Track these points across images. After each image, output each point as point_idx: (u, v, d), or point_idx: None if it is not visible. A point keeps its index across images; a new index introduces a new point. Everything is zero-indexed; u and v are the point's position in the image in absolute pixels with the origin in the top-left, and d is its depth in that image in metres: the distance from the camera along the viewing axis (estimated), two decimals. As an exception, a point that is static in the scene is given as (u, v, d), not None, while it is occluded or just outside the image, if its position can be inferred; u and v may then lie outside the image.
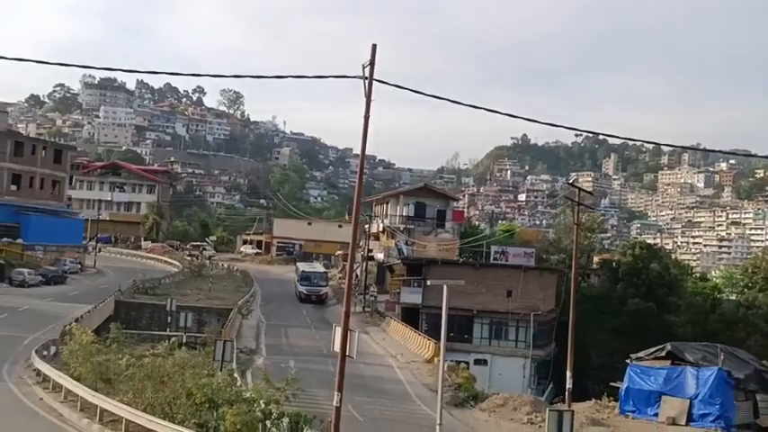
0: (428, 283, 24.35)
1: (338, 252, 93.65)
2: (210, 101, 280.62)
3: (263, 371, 26.86)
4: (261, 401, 20.77)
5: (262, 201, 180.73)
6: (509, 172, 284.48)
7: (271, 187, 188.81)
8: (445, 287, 20.36)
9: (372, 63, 17.83)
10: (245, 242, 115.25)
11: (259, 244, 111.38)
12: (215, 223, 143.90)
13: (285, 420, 19.88)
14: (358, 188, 19.98)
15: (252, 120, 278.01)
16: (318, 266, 77.63)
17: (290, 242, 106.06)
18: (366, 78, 17.79)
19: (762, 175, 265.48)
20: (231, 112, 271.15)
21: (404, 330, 52.20)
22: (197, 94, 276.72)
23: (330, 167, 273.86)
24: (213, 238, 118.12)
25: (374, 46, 18.10)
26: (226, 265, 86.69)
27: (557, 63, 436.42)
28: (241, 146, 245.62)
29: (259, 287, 71.03)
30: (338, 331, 19.79)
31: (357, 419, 27.22)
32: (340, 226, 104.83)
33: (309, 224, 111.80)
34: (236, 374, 30.22)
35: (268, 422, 20.58)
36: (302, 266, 74.95)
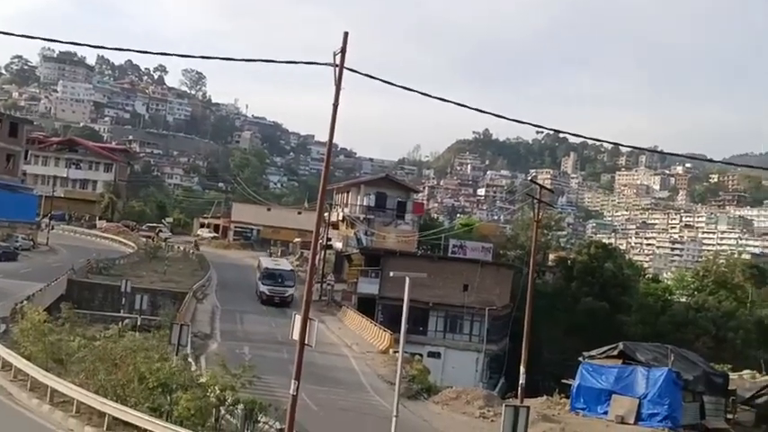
0: (390, 274, 24.39)
1: (296, 239, 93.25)
2: (172, 80, 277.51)
3: (218, 356, 26.58)
4: (216, 387, 20.61)
5: (221, 184, 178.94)
6: (469, 166, 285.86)
7: (230, 171, 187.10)
8: (407, 279, 20.35)
9: (344, 51, 17.70)
10: (202, 225, 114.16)
11: (216, 228, 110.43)
12: (172, 205, 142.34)
13: (240, 407, 19.77)
14: (323, 177, 19.86)
15: (213, 101, 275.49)
16: (284, 263, 67.71)
17: (247, 227, 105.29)
18: (337, 66, 17.66)
19: (716, 179, 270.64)
20: (193, 92, 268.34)
21: (360, 320, 52.23)
22: (158, 73, 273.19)
23: (291, 153, 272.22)
24: (170, 219, 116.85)
25: (346, 34, 17.97)
26: (181, 248, 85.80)
27: (520, 59, 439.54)
28: (201, 127, 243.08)
29: (215, 272, 70.39)
30: (297, 319, 19.66)
31: (311, 408, 27.16)
32: (299, 213, 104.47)
33: (269, 210, 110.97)
34: (190, 359, 29.98)
35: (222, 408, 20.45)
36: (265, 262, 64.87)
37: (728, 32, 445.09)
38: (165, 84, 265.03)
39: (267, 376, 26.26)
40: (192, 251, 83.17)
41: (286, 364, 29.13)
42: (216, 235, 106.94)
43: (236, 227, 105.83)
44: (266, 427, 20.10)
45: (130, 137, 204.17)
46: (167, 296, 51.56)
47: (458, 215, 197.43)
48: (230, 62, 17.43)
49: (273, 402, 20.98)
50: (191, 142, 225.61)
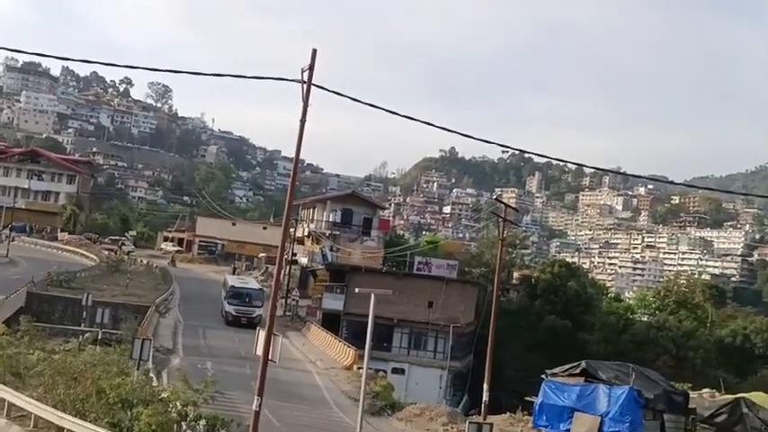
0: (356, 290, 24.32)
1: (261, 254, 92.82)
2: (138, 93, 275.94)
3: (180, 371, 26.31)
4: (177, 402, 20.44)
5: (185, 198, 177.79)
6: (436, 184, 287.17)
7: (195, 185, 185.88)
8: (372, 296, 20.38)
9: (312, 68, 17.79)
10: (166, 239, 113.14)
11: (180, 242, 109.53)
12: (136, 218, 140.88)
13: (202, 422, 19.63)
14: (290, 192, 19.85)
15: (179, 115, 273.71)
16: (252, 281, 63.85)
17: (212, 241, 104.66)
18: (305, 83, 17.72)
19: (677, 201, 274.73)
20: (159, 105, 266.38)
21: (324, 336, 52.00)
22: (124, 85, 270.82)
23: (257, 168, 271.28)
24: (133, 233, 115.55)
25: (314, 51, 18.07)
26: (145, 262, 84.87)
27: (485, 80, 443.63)
28: (167, 141, 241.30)
29: (178, 286, 69.69)
30: (261, 335, 19.59)
31: (274, 424, 26.96)
32: (265, 228, 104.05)
33: (233, 224, 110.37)
34: (152, 374, 29.65)
35: (184, 424, 20.27)
36: (232, 280, 60.25)
37: (686, 59, 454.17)
38: (130, 96, 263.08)
39: (230, 392, 26.07)
40: (154, 264, 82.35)
41: (249, 380, 28.88)
42: (180, 249, 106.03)
43: (200, 241, 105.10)
44: (228, 442, 19.95)
45: (94, 149, 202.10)
46: (129, 310, 50.90)
47: (423, 232, 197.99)
48: (197, 76, 17.41)
49: (236, 418, 20.85)
50: (156, 155, 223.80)
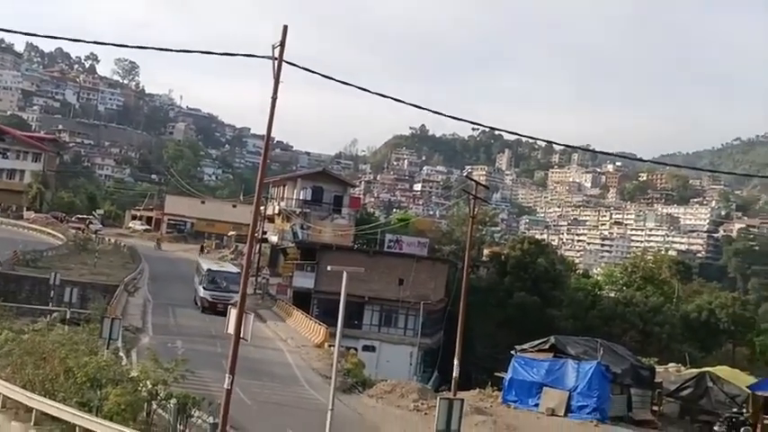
0: (328, 268, 24.30)
1: (231, 232, 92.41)
2: (104, 69, 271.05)
3: (149, 350, 26.18)
4: (147, 382, 20.35)
5: (153, 176, 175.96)
6: (406, 161, 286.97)
7: (164, 163, 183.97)
8: (345, 274, 20.37)
9: (282, 44, 17.62)
10: (134, 218, 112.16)
11: (149, 220, 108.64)
12: (103, 196, 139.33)
13: (172, 402, 19.54)
14: (261, 170, 19.73)
15: (147, 92, 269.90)
16: (229, 265, 60.70)
17: (181, 220, 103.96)
18: (275, 59, 17.56)
19: (645, 178, 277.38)
20: (125, 82, 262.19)
21: (295, 314, 52.06)
22: (90, 62, 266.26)
23: (227, 146, 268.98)
24: (101, 211, 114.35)
25: (285, 27, 17.89)
26: (113, 241, 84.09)
27: (455, 58, 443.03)
28: (134, 118, 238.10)
29: (147, 264, 69.23)
30: (233, 313, 19.53)
31: (245, 402, 26.99)
32: (234, 206, 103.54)
33: (203, 203, 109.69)
34: (121, 353, 29.50)
35: (154, 403, 20.23)
36: (206, 264, 56.49)
37: (655, 38, 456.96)
38: (96, 73, 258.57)
39: (200, 370, 26.01)
40: (123, 243, 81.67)
41: (220, 359, 28.86)
42: (148, 227, 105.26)
43: (169, 219, 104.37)
44: (199, 421, 19.93)
45: (60, 126, 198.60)
46: (98, 289, 50.57)
47: (394, 210, 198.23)
48: (165, 52, 17.19)
49: (207, 397, 20.81)
50: (123, 133, 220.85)
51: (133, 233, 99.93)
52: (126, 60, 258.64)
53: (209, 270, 53.24)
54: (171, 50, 17.40)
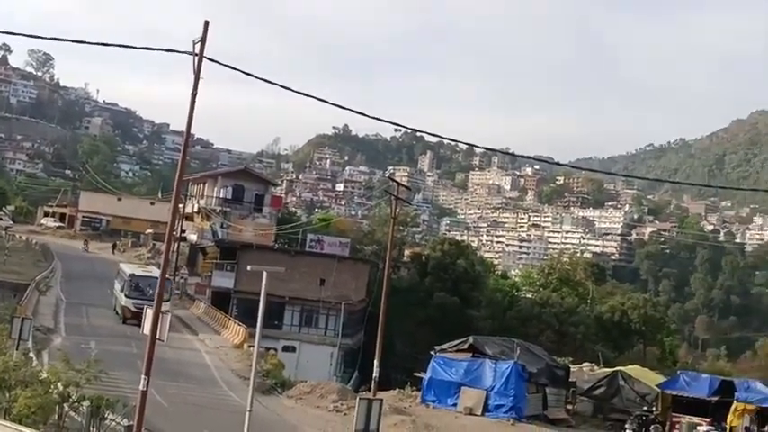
0: (248, 268, 24.01)
1: (149, 230, 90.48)
2: (17, 61, 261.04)
3: (61, 351, 25.43)
4: (59, 384, 19.78)
5: (68, 172, 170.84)
6: (329, 161, 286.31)
7: (78, 158, 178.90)
8: (264, 274, 20.18)
9: (203, 40, 17.32)
10: (46, 214, 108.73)
11: (62, 217, 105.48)
12: (14, 192, 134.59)
13: (85, 404, 19.07)
14: (180, 167, 19.37)
15: (62, 85, 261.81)
16: (155, 270, 51.29)
17: (96, 217, 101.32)
18: (196, 55, 17.26)
19: (562, 181, 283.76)
20: (39, 74, 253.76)
21: (214, 314, 51.35)
22: (2, 52, 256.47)
23: (144, 142, 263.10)
24: (11, 207, 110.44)
25: (206, 23, 17.60)
26: (24, 238, 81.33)
27: (379, 59, 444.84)
28: (48, 111, 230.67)
29: (60, 263, 67.23)
30: (149, 313, 19.12)
31: (161, 404, 26.46)
32: (152, 203, 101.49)
33: (119, 200, 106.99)
34: (31, 354, 28.59)
35: (66, 405, 19.66)
36: (129, 269, 51.23)
37: (573, 45, 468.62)
38: (8, 64, 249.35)
39: (115, 372, 25.44)
40: (34, 241, 79.11)
41: (135, 359, 28.27)
42: (62, 225, 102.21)
43: (83, 216, 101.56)
44: (113, 424, 19.46)
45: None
46: (7, 288, 49.02)
47: (316, 210, 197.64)
48: (81, 45, 16.64)
49: (121, 399, 20.37)
50: (36, 126, 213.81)
51: (46, 230, 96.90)
52: (40, 52, 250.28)
53: (132, 275, 48.17)
54: (88, 43, 16.94)
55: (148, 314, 19.21)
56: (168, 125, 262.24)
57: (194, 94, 17.69)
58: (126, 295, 46.81)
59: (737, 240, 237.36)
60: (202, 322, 52.26)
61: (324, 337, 60.35)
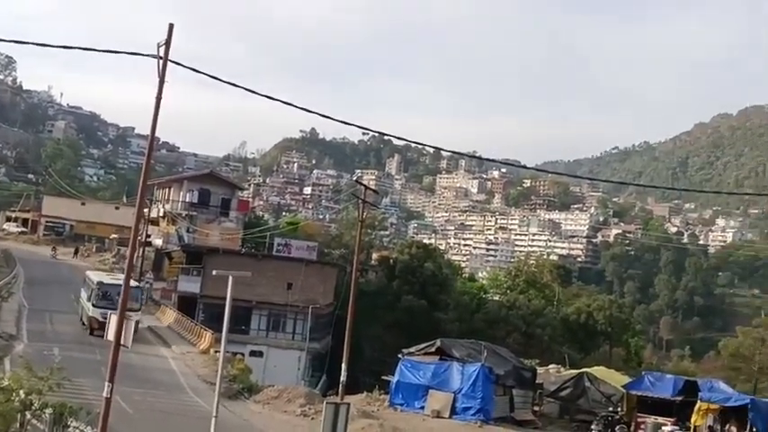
0: (213, 272, 23.85)
1: (114, 235, 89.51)
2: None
3: (23, 358, 25.00)
4: (21, 391, 19.43)
5: (30, 176, 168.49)
6: (296, 164, 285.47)
7: (42, 162, 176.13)
8: (231, 278, 20.04)
9: (168, 43, 17.17)
10: (8, 219, 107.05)
11: (25, 222, 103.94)
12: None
13: (48, 411, 18.74)
14: (144, 171, 19.17)
15: (24, 88, 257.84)
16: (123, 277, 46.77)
17: (60, 222, 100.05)
18: (161, 58, 17.11)
19: (528, 184, 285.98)
20: (1, 77, 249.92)
21: (180, 320, 50.91)
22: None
23: (109, 146, 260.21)
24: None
25: (171, 25, 17.46)
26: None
27: (345, 63, 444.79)
28: (10, 115, 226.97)
29: (22, 269, 66.16)
30: (113, 318, 18.88)
31: (126, 411, 26.14)
32: (117, 208, 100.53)
33: (83, 204, 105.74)
34: (-8, 361, 28.10)
35: (28, 413, 19.31)
36: (96, 276, 48.59)
37: (540, 51, 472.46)
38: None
39: (79, 379, 25.07)
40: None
41: (99, 366, 27.91)
42: (24, 230, 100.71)
43: (47, 221, 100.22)
44: (77, 431, 19.17)
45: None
46: (-33, 295, 47.91)
47: (283, 213, 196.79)
48: (45, 48, 16.43)
49: (85, 406, 20.07)
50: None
51: (8, 236, 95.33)
52: (2, 55, 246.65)
53: (100, 283, 45.20)
54: (51, 46, 16.72)
55: (113, 320, 18.95)
56: (133, 129, 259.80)
57: (159, 98, 17.53)
58: (93, 305, 44.07)
59: (701, 242, 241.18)
60: (174, 332, 50.51)
61: (291, 341, 60.09)
